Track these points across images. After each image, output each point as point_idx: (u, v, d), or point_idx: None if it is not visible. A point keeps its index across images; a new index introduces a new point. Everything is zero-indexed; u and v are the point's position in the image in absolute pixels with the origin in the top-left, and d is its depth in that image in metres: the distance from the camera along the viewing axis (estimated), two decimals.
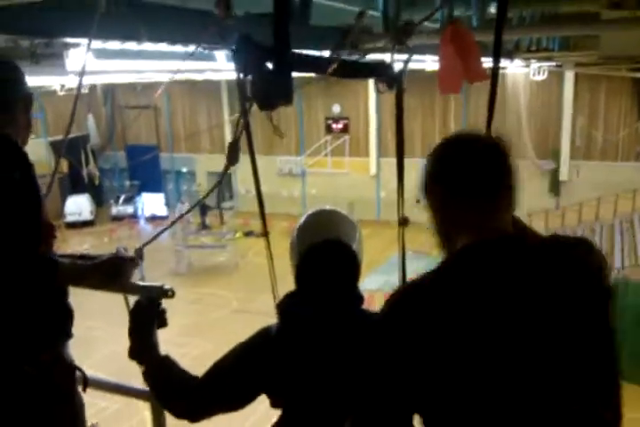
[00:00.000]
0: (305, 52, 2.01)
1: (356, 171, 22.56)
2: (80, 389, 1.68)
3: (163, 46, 3.59)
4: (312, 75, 3.08)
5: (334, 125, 22.13)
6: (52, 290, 1.54)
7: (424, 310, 1.05)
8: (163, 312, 1.66)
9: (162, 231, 2.00)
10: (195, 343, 11.67)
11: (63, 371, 1.63)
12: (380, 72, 2.12)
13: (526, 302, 1.04)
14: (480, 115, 18.98)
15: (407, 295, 1.11)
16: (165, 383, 1.55)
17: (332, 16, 3.99)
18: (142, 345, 1.58)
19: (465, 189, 1.16)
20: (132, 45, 3.54)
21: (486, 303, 1.03)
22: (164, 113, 24.53)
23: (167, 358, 1.59)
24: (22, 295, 1.47)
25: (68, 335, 1.67)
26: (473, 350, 1.02)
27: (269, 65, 1.54)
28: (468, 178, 1.15)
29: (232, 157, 1.80)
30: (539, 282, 1.06)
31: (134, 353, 1.57)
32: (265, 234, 2.02)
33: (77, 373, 1.67)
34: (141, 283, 1.73)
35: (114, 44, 3.54)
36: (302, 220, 1.63)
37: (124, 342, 1.56)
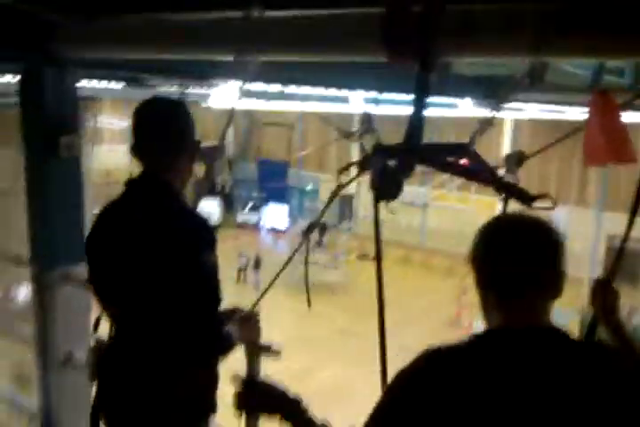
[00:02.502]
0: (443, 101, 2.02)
1: (481, 209, 21.90)
2: None
3: (310, 89, 3.83)
4: None
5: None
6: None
7: (442, 375, 1.11)
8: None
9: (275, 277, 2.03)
10: (295, 358, 11.84)
11: None
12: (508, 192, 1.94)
13: (529, 394, 1.05)
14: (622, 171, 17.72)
15: (433, 357, 1.16)
16: None
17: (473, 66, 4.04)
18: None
19: (495, 286, 1.20)
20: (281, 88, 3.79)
21: (492, 390, 1.07)
22: (297, 131, 25.44)
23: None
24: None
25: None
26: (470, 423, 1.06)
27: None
28: (500, 277, 1.18)
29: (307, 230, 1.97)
30: (547, 381, 1.06)
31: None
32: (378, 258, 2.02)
33: None
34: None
35: (259, 86, 3.79)
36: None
37: None
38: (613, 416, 1.07)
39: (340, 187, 1.89)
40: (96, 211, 2.58)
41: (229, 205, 26.92)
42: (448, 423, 1.08)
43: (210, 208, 25.94)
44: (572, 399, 1.06)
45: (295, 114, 23.32)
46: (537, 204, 1.64)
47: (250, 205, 26.51)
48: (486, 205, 21.74)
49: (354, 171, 1.89)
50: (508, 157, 1.98)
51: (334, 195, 2.03)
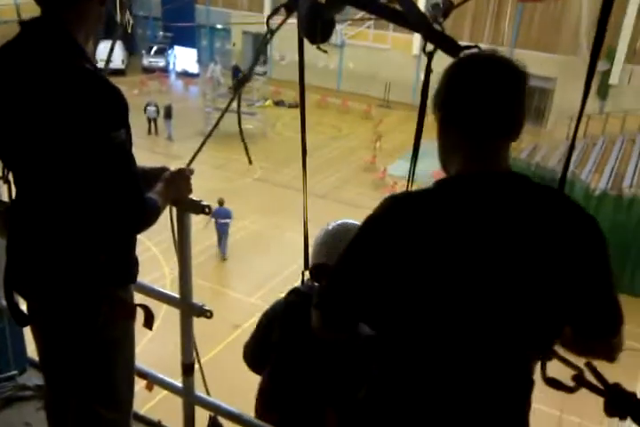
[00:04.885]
0: None
1: (398, 48, 21.52)
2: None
3: None
4: None
5: None
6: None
7: (406, 220, 1.13)
8: None
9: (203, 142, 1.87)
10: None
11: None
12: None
13: (492, 237, 1.09)
14: (536, 9, 17.50)
15: (400, 202, 1.17)
16: None
17: None
18: None
19: (461, 125, 1.16)
20: None
21: (458, 230, 1.10)
22: None
23: None
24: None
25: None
26: (433, 266, 1.11)
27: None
28: (468, 112, 1.14)
29: (238, 86, 1.77)
30: (509, 221, 1.10)
31: None
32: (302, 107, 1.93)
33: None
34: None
35: None
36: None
37: None
38: (564, 261, 1.10)
39: (271, 32, 1.72)
40: None
41: (133, 46, 24.88)
42: (414, 262, 1.11)
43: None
44: (529, 241, 1.09)
45: None
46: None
47: (155, 48, 24.61)
48: (403, 44, 21.34)
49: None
50: (434, 6, 1.84)
51: (265, 43, 1.87)
